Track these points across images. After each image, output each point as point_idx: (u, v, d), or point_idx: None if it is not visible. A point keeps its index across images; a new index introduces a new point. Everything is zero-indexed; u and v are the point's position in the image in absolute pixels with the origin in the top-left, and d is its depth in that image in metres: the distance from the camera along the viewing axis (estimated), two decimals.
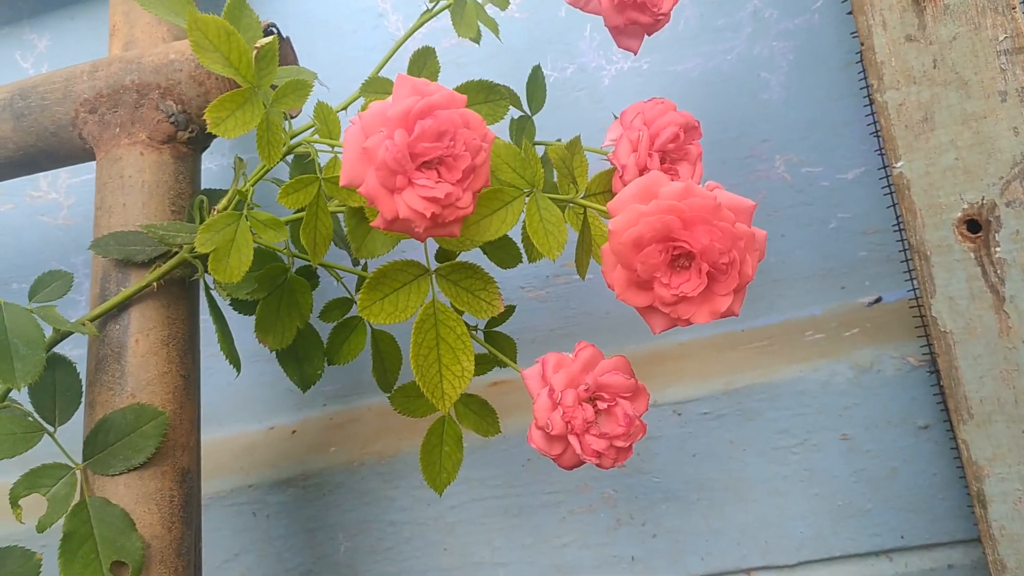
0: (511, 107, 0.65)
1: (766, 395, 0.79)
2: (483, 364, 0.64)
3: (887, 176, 0.69)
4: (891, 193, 0.69)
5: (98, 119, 0.64)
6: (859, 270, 0.83)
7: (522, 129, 0.68)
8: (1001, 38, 0.61)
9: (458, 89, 0.61)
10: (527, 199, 0.53)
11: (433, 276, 0.54)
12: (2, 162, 0.67)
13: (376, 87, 0.59)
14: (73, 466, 0.55)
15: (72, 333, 0.56)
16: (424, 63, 0.61)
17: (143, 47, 0.69)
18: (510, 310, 0.66)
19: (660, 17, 0.57)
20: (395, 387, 0.63)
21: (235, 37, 0.50)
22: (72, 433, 0.57)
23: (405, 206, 0.44)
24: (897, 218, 0.69)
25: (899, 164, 0.65)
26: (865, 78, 0.67)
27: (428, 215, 0.44)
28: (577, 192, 0.55)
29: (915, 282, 0.68)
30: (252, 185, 0.56)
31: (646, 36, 0.59)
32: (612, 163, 0.60)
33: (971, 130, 0.63)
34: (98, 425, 0.57)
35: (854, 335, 0.80)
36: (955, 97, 0.63)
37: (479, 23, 0.63)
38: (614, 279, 0.48)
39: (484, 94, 0.62)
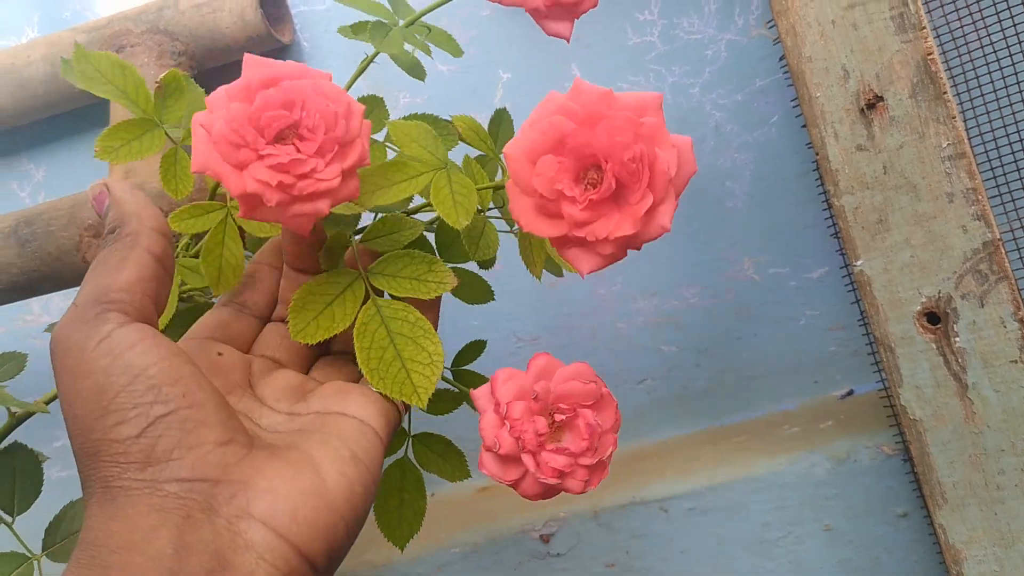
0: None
1: (749, 488, 0.81)
2: (448, 401, 0.60)
3: (849, 275, 0.73)
4: (854, 290, 0.74)
5: (101, 243, 0.67)
6: (830, 364, 0.86)
7: (482, 167, 0.61)
8: (944, 145, 0.67)
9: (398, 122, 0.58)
10: (435, 174, 0.47)
11: (367, 277, 0.48)
12: (6, 287, 0.70)
13: None
14: (31, 556, 0.54)
15: (31, 414, 0.55)
16: (370, 111, 0.58)
17: (143, 175, 0.73)
18: (480, 344, 0.62)
19: None
20: None
21: (129, 70, 0.49)
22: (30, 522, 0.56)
23: (252, 179, 0.40)
24: (861, 313, 0.73)
25: (859, 263, 0.70)
26: (822, 184, 0.72)
27: (275, 183, 0.40)
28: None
29: (883, 373, 0.71)
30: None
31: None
32: None
33: (923, 229, 0.68)
34: (61, 513, 0.56)
35: (829, 427, 0.83)
36: (906, 200, 0.68)
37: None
38: (520, 211, 0.42)
39: (431, 127, 0.57)
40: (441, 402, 0.59)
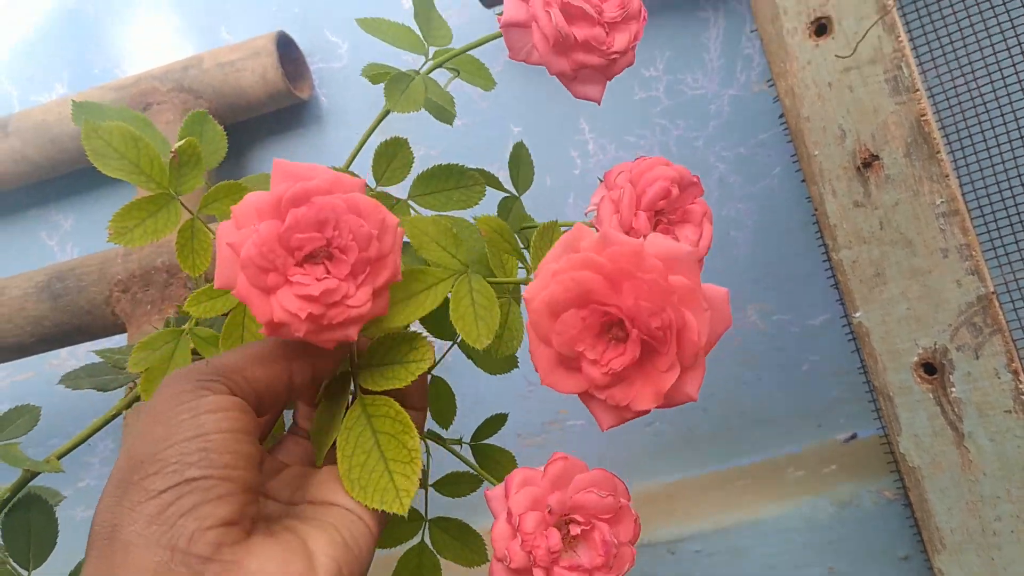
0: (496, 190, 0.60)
1: (754, 532, 0.83)
2: (465, 484, 0.59)
3: (849, 323, 0.75)
4: (854, 338, 0.76)
5: (130, 297, 0.70)
6: (833, 409, 0.89)
7: (508, 210, 0.62)
8: (938, 202, 0.69)
9: (423, 175, 0.56)
10: (456, 280, 0.45)
11: (355, 375, 0.45)
12: (39, 339, 0.73)
13: None
14: None
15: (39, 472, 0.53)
16: (395, 154, 0.55)
17: None
18: (501, 418, 0.61)
19: (614, 56, 0.48)
20: None
21: (142, 142, 0.46)
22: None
23: (280, 308, 0.38)
24: (861, 362, 0.75)
25: (858, 314, 0.72)
26: (822, 237, 0.75)
27: (304, 316, 0.37)
28: None
29: (882, 421, 0.73)
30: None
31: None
32: (596, 228, 0.50)
33: (919, 283, 0.70)
34: (76, 569, 0.56)
35: (833, 471, 0.85)
36: (902, 255, 0.70)
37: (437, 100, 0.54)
38: (537, 359, 0.39)
39: (455, 180, 0.56)
40: (458, 484, 0.58)
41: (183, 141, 0.47)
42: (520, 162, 0.62)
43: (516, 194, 0.61)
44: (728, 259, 0.89)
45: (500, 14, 0.48)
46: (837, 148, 0.72)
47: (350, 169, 0.54)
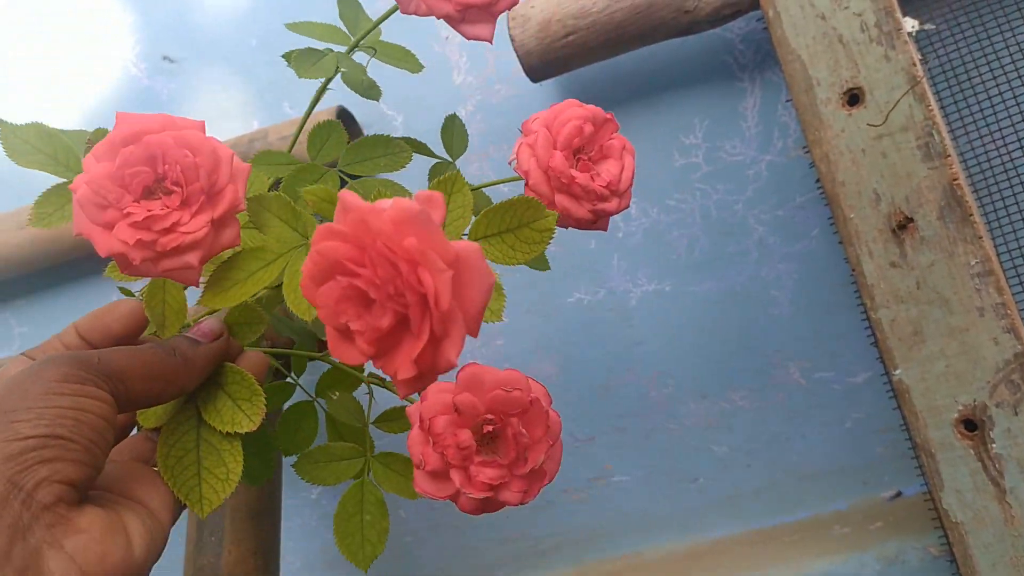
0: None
1: None
2: (406, 419, 0.59)
3: (889, 381, 0.77)
4: (895, 396, 0.78)
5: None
6: (877, 466, 0.90)
7: (439, 174, 0.62)
8: (972, 263, 0.71)
9: (354, 145, 0.61)
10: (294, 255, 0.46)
11: (196, 395, 0.47)
12: None
13: (267, 160, 0.59)
14: None
15: None
16: (328, 135, 0.60)
17: None
18: None
19: None
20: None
21: (56, 137, 0.49)
22: None
23: (115, 239, 0.40)
24: (903, 418, 0.77)
25: (897, 372, 0.74)
26: (860, 297, 0.77)
27: (133, 243, 0.40)
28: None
29: (925, 477, 0.75)
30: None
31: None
32: (518, 173, 0.54)
33: (957, 341, 0.72)
34: None
35: (878, 528, 0.86)
36: (939, 313, 0.72)
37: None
38: (327, 333, 0.38)
39: (382, 148, 0.61)
40: (397, 420, 0.59)
41: (96, 130, 0.50)
42: (454, 131, 0.66)
43: (450, 159, 0.66)
44: (769, 318, 0.92)
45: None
46: (872, 211, 0.75)
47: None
